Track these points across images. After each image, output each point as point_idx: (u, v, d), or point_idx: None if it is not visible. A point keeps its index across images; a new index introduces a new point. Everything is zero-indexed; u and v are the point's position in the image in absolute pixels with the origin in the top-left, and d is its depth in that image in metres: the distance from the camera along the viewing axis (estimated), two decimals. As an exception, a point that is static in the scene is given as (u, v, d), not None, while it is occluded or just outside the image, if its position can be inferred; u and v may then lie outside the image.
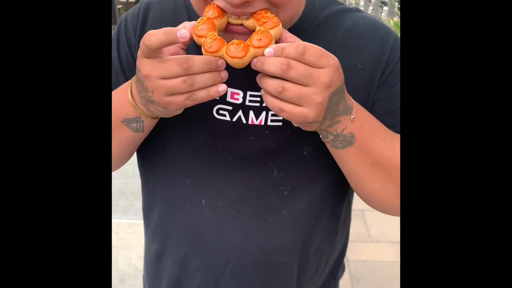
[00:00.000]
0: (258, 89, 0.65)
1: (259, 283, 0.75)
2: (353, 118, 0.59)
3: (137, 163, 0.78)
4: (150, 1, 0.72)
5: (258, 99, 0.66)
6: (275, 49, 0.52)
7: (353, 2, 10.35)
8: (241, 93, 0.66)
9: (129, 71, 0.71)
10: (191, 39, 0.56)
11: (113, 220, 2.57)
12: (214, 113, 0.67)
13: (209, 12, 0.57)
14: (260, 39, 0.53)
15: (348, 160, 0.64)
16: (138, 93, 0.59)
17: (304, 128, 0.59)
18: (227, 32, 0.59)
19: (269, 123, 0.66)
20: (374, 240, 2.50)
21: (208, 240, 0.73)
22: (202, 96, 0.56)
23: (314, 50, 0.52)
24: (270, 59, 0.52)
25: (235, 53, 0.53)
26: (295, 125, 0.59)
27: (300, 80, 0.52)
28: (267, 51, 0.53)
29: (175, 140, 0.70)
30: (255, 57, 0.54)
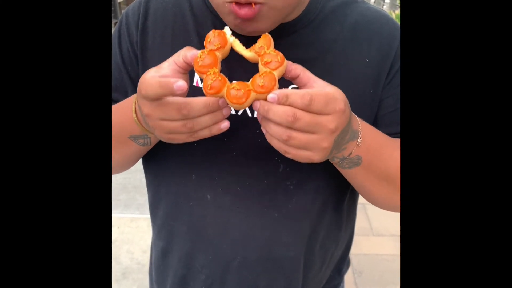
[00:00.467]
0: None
1: (264, 279, 0.75)
2: (360, 142, 0.59)
3: (141, 160, 0.78)
4: None
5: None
6: (279, 97, 0.49)
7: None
8: None
9: (131, 68, 0.71)
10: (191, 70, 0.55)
11: (115, 215, 2.58)
12: None
13: (211, 43, 0.54)
14: (262, 85, 0.51)
15: (355, 178, 0.65)
16: (142, 118, 0.59)
17: None
18: (232, 13, 0.56)
19: None
20: (376, 234, 2.50)
21: (214, 236, 0.73)
22: (204, 134, 0.56)
23: (320, 99, 0.50)
24: (275, 108, 0.50)
25: (236, 98, 0.51)
26: None
27: (306, 130, 0.51)
28: (270, 97, 0.50)
29: None
30: (257, 99, 0.52)
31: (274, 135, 0.52)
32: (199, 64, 0.53)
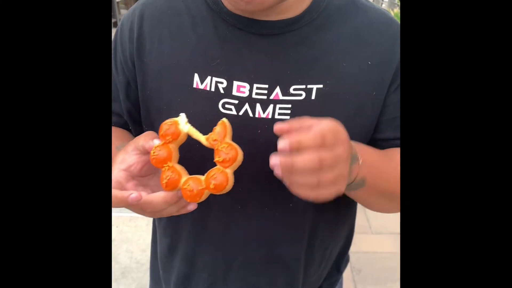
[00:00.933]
0: (265, 81, 0.64)
1: (266, 277, 0.75)
2: (361, 163, 0.58)
3: None
4: (144, 1, 0.71)
5: (265, 91, 0.64)
6: (291, 146, 0.47)
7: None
8: (247, 86, 0.64)
9: (123, 77, 0.72)
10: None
11: (113, 214, 2.57)
12: (220, 108, 0.65)
13: (164, 136, 0.55)
14: (214, 187, 0.53)
15: (358, 196, 0.67)
16: None
17: None
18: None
19: (276, 116, 0.65)
20: (375, 232, 2.50)
21: (216, 236, 0.74)
22: (172, 213, 0.59)
23: (328, 133, 0.48)
24: (299, 160, 0.47)
25: (191, 198, 0.54)
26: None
27: (331, 167, 0.49)
28: (281, 146, 0.47)
29: None
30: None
31: (304, 184, 0.49)
32: (153, 158, 0.55)
